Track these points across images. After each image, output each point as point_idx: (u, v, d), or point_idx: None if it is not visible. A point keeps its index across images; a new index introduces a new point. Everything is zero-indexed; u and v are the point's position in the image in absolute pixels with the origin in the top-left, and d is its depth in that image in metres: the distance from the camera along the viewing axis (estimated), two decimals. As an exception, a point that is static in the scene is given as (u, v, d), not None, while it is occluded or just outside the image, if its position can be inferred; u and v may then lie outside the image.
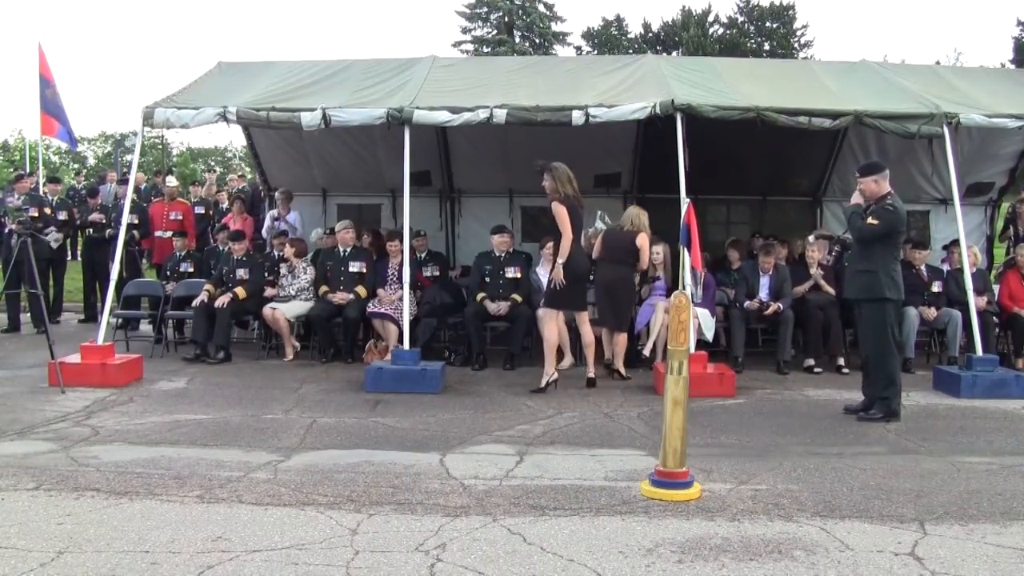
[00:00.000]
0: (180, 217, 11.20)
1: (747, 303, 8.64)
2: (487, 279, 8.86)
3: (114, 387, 7.35)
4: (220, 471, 5.00)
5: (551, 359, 7.38)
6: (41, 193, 11.64)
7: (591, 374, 7.65)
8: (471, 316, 8.64)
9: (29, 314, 10.47)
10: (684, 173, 7.56)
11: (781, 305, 8.55)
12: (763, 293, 8.74)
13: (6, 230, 9.89)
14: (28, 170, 14.63)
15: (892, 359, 6.40)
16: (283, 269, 9.45)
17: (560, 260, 7.24)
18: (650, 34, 49.65)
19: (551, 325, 7.38)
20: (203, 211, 12.02)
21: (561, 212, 7.25)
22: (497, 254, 8.98)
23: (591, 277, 8.14)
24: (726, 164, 9.76)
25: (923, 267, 9.04)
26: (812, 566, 3.68)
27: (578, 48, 49.09)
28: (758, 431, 6.21)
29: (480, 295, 8.75)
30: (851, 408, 6.58)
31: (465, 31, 47.82)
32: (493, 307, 8.64)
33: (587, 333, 7.70)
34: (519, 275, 8.87)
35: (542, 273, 9.17)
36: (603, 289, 8.17)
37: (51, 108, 12.22)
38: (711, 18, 48.86)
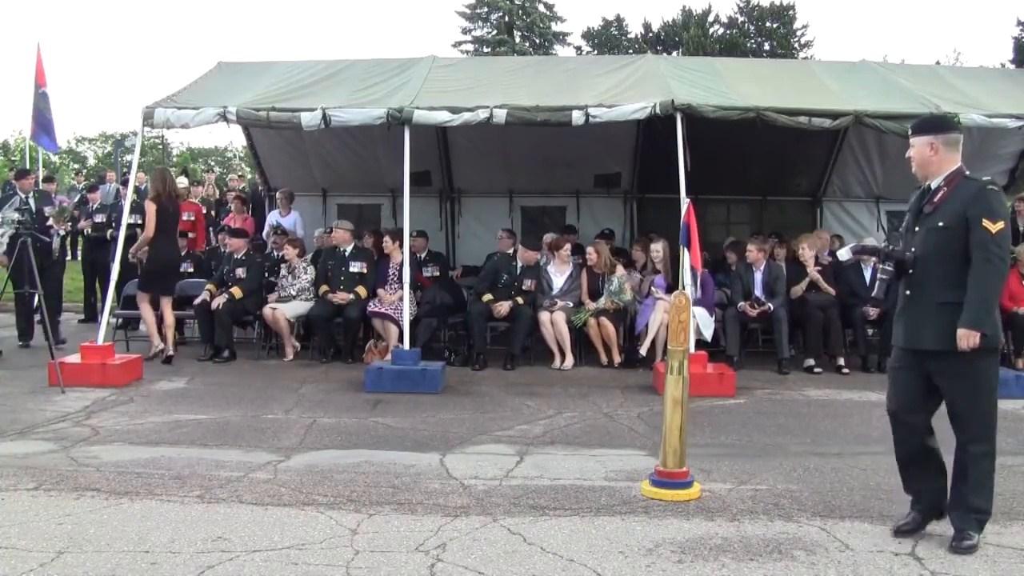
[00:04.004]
0: (192, 218, 11.17)
1: (740, 304, 8.64)
2: (501, 284, 8.85)
3: (114, 387, 7.35)
4: (220, 471, 5.00)
5: (154, 331, 8.60)
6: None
7: (171, 352, 8.63)
8: (476, 315, 8.64)
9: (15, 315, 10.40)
10: (684, 173, 7.57)
11: (771, 305, 8.55)
12: (758, 290, 8.74)
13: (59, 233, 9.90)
14: (26, 168, 14.58)
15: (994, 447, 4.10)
16: (283, 269, 9.45)
17: (137, 251, 8.64)
18: (650, 34, 49.60)
19: (145, 306, 8.58)
20: (204, 211, 12.01)
21: (149, 209, 8.41)
22: (519, 264, 8.96)
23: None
24: (726, 164, 9.76)
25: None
26: (812, 566, 3.69)
27: (578, 48, 49.04)
28: (758, 431, 6.21)
29: (487, 297, 8.74)
30: (905, 528, 4.07)
31: (465, 31, 47.76)
32: (494, 307, 8.63)
33: (168, 315, 8.70)
34: (533, 288, 8.89)
35: (552, 271, 9.19)
36: None
37: (39, 115, 12.25)
38: (711, 18, 48.79)
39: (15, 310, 9.79)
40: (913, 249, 4.00)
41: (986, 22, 72.90)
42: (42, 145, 13.30)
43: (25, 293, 8.65)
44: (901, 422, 4.09)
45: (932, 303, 3.90)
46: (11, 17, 59.15)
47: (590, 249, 9.19)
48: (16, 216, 7.78)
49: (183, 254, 10.12)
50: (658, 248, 8.89)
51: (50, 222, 9.50)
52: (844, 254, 4.74)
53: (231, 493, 4.59)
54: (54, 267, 9.88)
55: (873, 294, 4.35)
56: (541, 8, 46.89)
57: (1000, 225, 3.79)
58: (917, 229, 4.01)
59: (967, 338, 3.77)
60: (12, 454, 5.31)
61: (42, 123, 12.42)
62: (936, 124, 4.15)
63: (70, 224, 10.95)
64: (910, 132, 4.15)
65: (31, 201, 9.24)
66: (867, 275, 8.66)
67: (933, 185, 3.99)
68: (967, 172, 3.97)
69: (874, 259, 4.30)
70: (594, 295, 8.94)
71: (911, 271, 3.99)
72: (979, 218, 3.79)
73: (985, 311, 3.80)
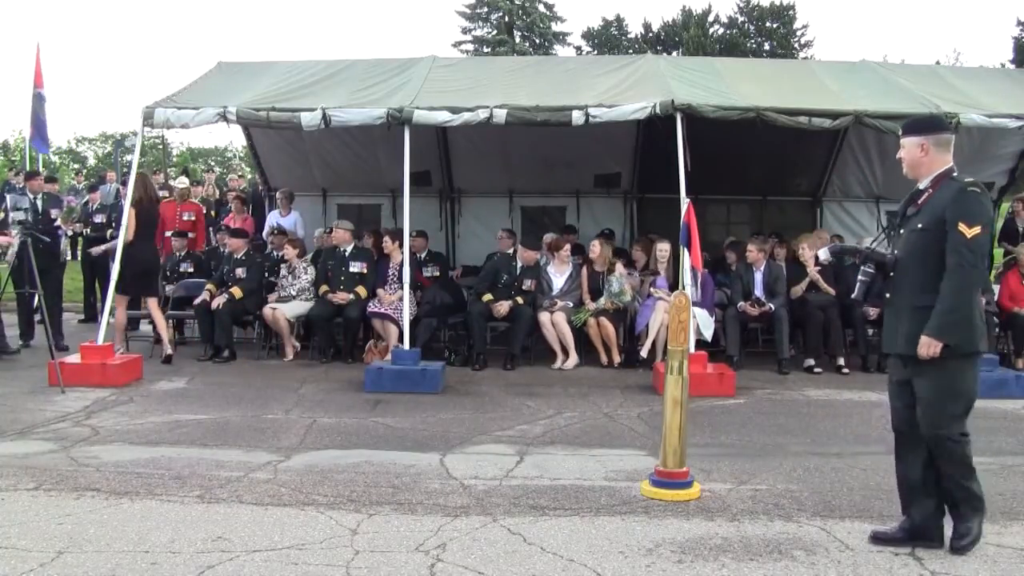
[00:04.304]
0: (193, 218, 11.17)
1: (740, 304, 8.64)
2: (501, 284, 8.84)
3: (114, 387, 7.35)
4: (220, 471, 5.00)
5: (122, 334, 8.78)
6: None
7: (169, 351, 8.73)
8: (476, 315, 8.64)
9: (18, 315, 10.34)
10: (684, 173, 7.56)
11: (772, 305, 8.54)
12: (758, 290, 8.74)
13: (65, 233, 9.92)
14: (28, 169, 14.55)
15: (970, 454, 3.80)
16: (283, 269, 9.45)
17: (112, 246, 8.63)
18: (650, 34, 49.64)
19: (122, 309, 8.75)
20: (204, 211, 12.00)
21: (130, 214, 8.44)
22: (519, 264, 8.95)
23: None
24: (726, 164, 9.76)
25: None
26: (812, 566, 3.69)
27: (578, 48, 49.10)
28: (758, 431, 6.21)
29: (487, 297, 8.74)
30: (882, 536, 3.98)
31: (465, 31, 47.84)
32: (494, 307, 8.63)
33: (158, 316, 8.77)
34: (533, 288, 8.88)
35: (552, 271, 9.18)
36: None
37: (34, 117, 12.30)
38: (711, 18, 48.85)
39: (17, 310, 9.77)
40: (895, 251, 3.95)
41: (986, 22, 73.01)
42: (35, 147, 13.33)
43: (25, 293, 8.64)
44: (902, 435, 3.96)
45: (908, 306, 3.82)
46: (11, 17, 59.18)
47: (594, 242, 9.17)
48: (22, 216, 7.79)
49: (183, 254, 10.15)
50: (664, 248, 8.87)
51: (58, 223, 9.49)
52: (823, 254, 4.69)
53: (231, 493, 4.59)
54: (57, 268, 9.83)
55: (853, 295, 4.26)
56: (541, 8, 46.93)
57: (976, 230, 3.65)
58: (902, 231, 3.96)
59: (927, 347, 3.68)
60: (12, 454, 5.31)
61: (36, 125, 12.45)
62: (927, 124, 4.04)
63: (78, 224, 10.95)
64: (901, 132, 4.04)
65: (38, 202, 9.23)
66: (868, 276, 8.65)
67: (921, 186, 3.90)
68: (954, 174, 3.84)
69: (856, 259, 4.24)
70: (594, 294, 8.94)
71: (892, 273, 3.93)
72: (955, 221, 3.68)
73: (951, 320, 3.67)
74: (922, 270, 3.78)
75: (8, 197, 8.57)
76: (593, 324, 8.63)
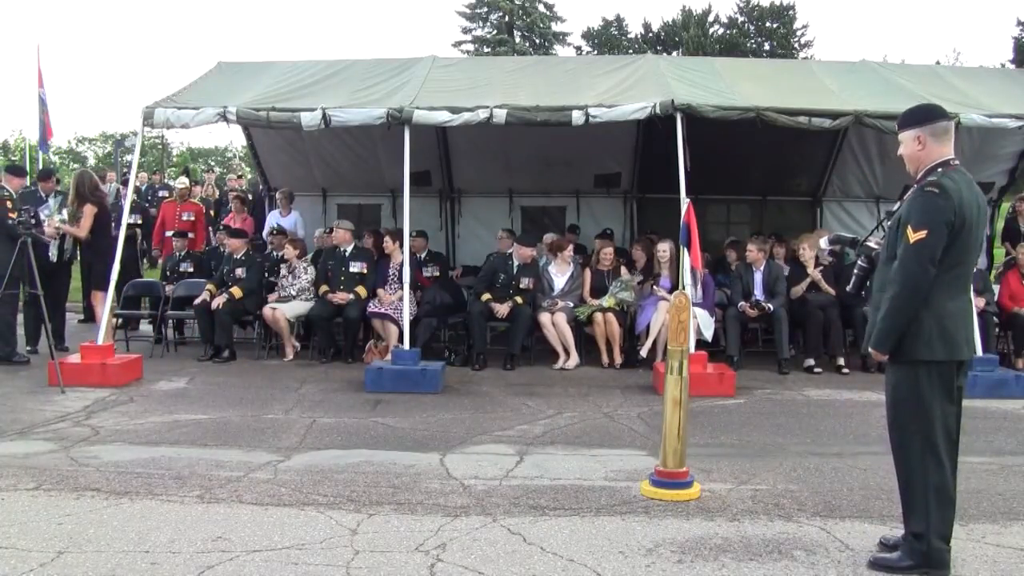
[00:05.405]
0: (192, 218, 11.17)
1: (740, 304, 8.64)
2: (498, 284, 8.83)
3: (114, 387, 7.35)
4: (220, 471, 5.00)
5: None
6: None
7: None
8: (476, 315, 8.63)
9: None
10: (684, 173, 7.56)
11: (771, 306, 8.54)
12: (757, 290, 8.74)
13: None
14: (28, 170, 14.54)
15: (926, 464, 3.57)
16: (283, 269, 9.45)
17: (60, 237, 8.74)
18: (650, 34, 49.67)
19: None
20: (204, 211, 12.00)
21: (89, 211, 8.80)
22: (516, 262, 8.94)
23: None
24: (726, 164, 9.76)
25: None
26: (812, 566, 3.69)
27: (578, 48, 49.15)
28: (758, 431, 6.21)
29: (486, 296, 8.73)
30: (887, 542, 3.88)
31: (465, 31, 47.88)
32: (495, 307, 8.62)
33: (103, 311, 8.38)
34: (531, 287, 8.86)
35: (552, 271, 9.17)
36: None
37: (40, 120, 12.38)
38: (711, 18, 48.90)
39: (24, 313, 9.72)
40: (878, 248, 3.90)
41: (986, 22, 73.10)
42: (40, 149, 13.42)
43: (26, 294, 8.63)
44: None
45: (873, 305, 3.77)
46: (11, 17, 59.21)
47: (607, 251, 9.18)
48: (61, 217, 7.84)
49: (183, 254, 10.16)
50: (664, 249, 8.86)
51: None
52: (823, 243, 4.69)
53: (231, 493, 4.59)
54: (63, 269, 9.71)
55: (848, 288, 4.19)
56: (541, 8, 46.96)
57: (920, 235, 3.45)
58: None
59: (875, 356, 3.68)
60: (12, 454, 5.31)
61: (40, 127, 12.53)
62: (921, 115, 3.75)
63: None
64: (897, 127, 3.85)
65: (51, 202, 9.21)
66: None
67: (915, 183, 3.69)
68: (939, 169, 3.57)
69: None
70: (596, 293, 8.92)
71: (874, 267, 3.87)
72: (906, 223, 3.52)
73: (882, 327, 3.56)
74: (884, 269, 3.68)
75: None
76: (600, 320, 8.61)
